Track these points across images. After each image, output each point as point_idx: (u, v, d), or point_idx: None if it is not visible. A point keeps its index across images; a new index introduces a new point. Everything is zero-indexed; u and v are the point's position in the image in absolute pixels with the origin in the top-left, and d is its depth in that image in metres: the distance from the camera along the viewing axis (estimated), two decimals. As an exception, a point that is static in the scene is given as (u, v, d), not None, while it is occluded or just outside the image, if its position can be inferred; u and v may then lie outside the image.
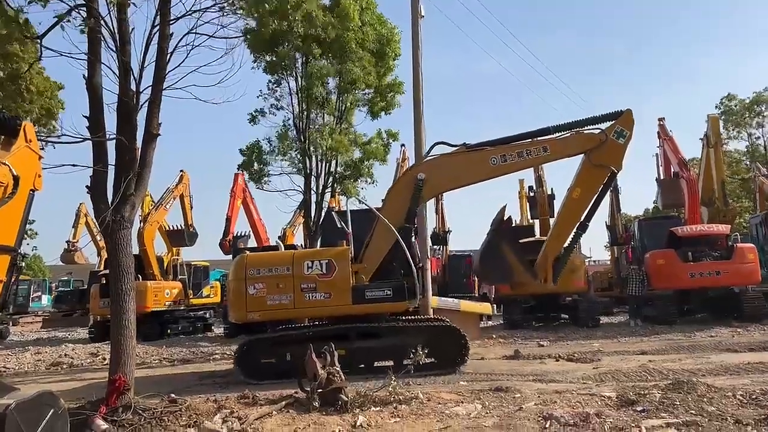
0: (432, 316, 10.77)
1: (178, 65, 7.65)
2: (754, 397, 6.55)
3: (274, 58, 14.59)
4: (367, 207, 10.81)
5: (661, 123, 20.21)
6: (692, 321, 16.58)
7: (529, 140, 10.06)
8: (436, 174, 10.09)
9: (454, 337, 10.02)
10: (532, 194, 20.67)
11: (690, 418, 5.85)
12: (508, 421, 6.05)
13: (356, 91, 14.72)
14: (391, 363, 9.30)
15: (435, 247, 24.42)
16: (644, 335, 14.37)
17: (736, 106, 34.66)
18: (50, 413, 4.86)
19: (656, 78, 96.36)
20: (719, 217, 19.22)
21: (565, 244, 10.30)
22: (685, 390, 6.82)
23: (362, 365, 9.89)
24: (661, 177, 20.77)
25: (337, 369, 7.62)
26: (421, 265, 10.60)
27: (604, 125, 9.97)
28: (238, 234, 24.35)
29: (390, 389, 7.25)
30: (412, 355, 7.88)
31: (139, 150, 7.70)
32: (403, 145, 20.49)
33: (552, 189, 20.51)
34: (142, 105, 7.66)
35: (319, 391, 7.27)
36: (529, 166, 10.74)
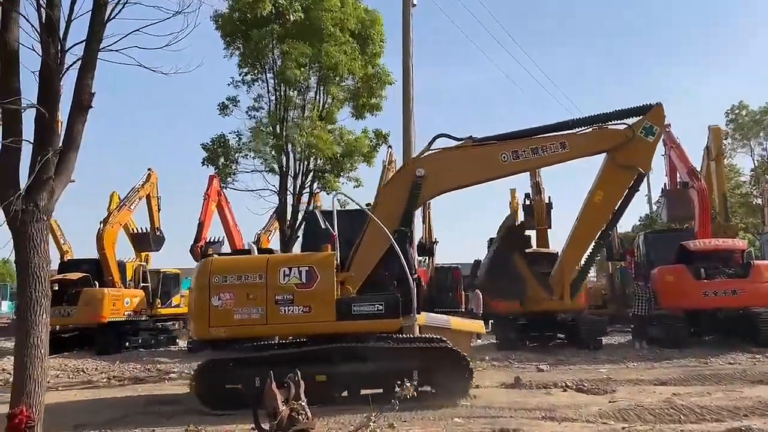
0: (428, 336, 9.10)
1: (113, 17, 6.17)
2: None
3: (245, 51, 13.07)
4: (357, 206, 9.24)
5: (668, 130, 18.94)
6: (702, 344, 15.20)
7: (546, 135, 8.75)
8: (438, 170, 8.67)
9: (456, 362, 8.39)
10: (528, 202, 19.31)
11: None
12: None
13: (339, 80, 13.19)
14: (380, 391, 7.75)
15: (421, 258, 22.91)
16: (654, 360, 12.96)
17: (746, 116, 33.62)
18: None
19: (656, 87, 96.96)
20: (720, 233, 18.06)
21: (585, 256, 8.87)
22: (745, 441, 5.38)
23: (345, 393, 8.31)
24: (668, 188, 19.56)
25: (303, 404, 6.05)
26: (416, 276, 8.97)
27: (630, 121, 8.67)
28: (212, 240, 22.74)
29: (369, 430, 5.71)
30: (398, 388, 6.32)
31: (64, 125, 6.27)
32: (390, 146, 19.03)
33: (550, 197, 19.19)
34: (69, 67, 6.21)
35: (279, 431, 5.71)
36: (545, 164, 9.29)
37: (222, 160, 13.00)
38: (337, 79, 13.04)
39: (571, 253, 9.07)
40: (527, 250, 15.84)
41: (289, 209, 14.13)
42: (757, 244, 24.17)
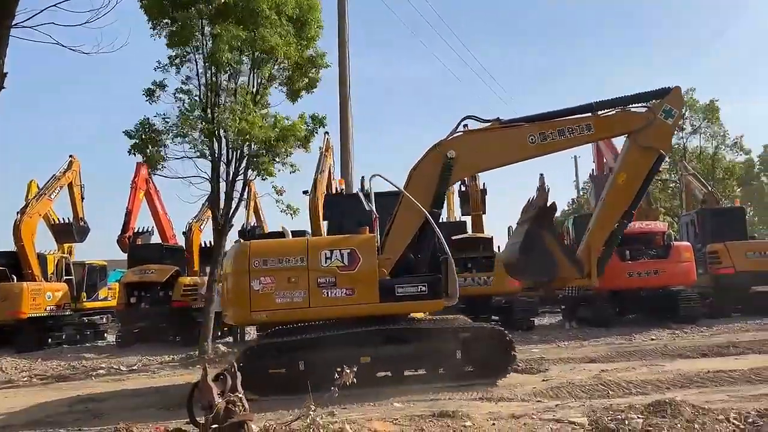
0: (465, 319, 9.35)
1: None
2: (750, 420, 5.44)
3: (174, 28, 12.41)
4: (393, 186, 8.85)
5: None
6: (627, 322, 15.95)
7: (572, 117, 8.88)
8: (469, 152, 8.69)
9: (499, 342, 8.54)
10: (463, 188, 19.58)
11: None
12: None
13: (273, 65, 12.76)
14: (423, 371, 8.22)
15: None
16: (583, 339, 13.50)
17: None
18: None
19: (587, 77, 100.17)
20: (643, 216, 18.91)
21: (608, 236, 9.03)
22: (669, 413, 5.61)
23: (389, 374, 8.43)
24: (595, 173, 20.31)
25: (240, 395, 5.87)
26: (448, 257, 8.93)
27: (649, 104, 8.94)
28: (140, 230, 21.87)
29: (309, 420, 5.60)
30: (337, 375, 6.23)
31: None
32: (326, 132, 18.78)
33: (484, 183, 19.50)
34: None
35: (215, 426, 5.52)
36: (571, 146, 9.31)
37: (150, 148, 12.24)
38: (272, 63, 12.60)
39: (597, 233, 9.17)
40: (458, 237, 16.15)
41: (223, 196, 13.59)
42: (675, 226, 25.54)
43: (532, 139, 8.76)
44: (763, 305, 16.85)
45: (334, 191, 19.25)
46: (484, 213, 19.52)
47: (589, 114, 8.90)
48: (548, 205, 9.10)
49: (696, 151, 31.68)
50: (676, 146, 32.99)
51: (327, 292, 8.13)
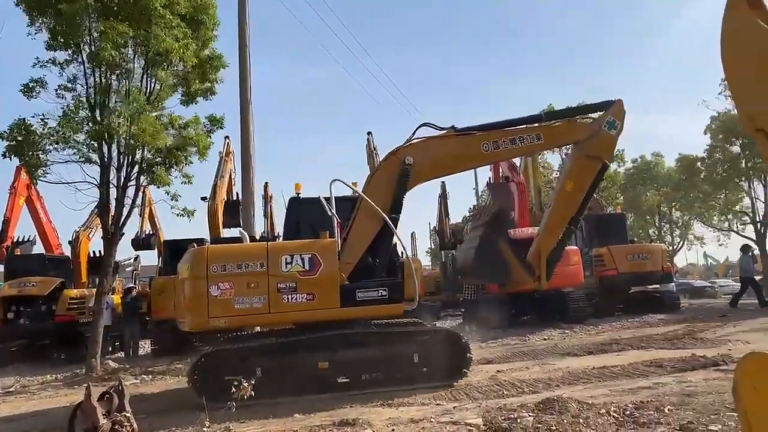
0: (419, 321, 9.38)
1: None
2: (627, 412, 5.84)
3: (56, 28, 11.51)
4: (352, 190, 8.90)
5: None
6: (523, 323, 16.71)
7: (523, 127, 9.13)
8: (426, 159, 8.77)
9: (455, 345, 8.62)
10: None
11: (575, 448, 4.88)
12: (364, 476, 4.56)
13: (168, 66, 12.17)
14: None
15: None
16: (482, 341, 13.94)
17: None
18: None
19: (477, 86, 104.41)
20: (536, 222, 19.99)
21: (557, 240, 9.45)
22: (557, 410, 5.93)
23: (347, 380, 8.41)
24: (491, 181, 21.15)
25: (128, 414, 5.55)
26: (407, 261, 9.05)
27: (594, 115, 9.41)
28: (20, 239, 20.12)
29: (202, 437, 5.38)
30: (234, 389, 6.03)
31: None
32: (227, 137, 18.35)
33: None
34: None
35: (99, 449, 5.17)
36: (521, 154, 9.72)
37: (28, 151, 11.19)
38: (166, 64, 11.99)
39: (546, 237, 9.55)
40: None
41: (113, 203, 12.78)
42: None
43: (485, 148, 8.98)
44: (641, 304, 18.34)
45: (234, 198, 18.74)
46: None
47: (538, 124, 9.27)
48: (501, 211, 9.36)
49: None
50: (565, 158, 35.22)
51: (287, 298, 8.08)
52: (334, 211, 8.55)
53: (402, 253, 9.40)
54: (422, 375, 8.51)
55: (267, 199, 24.20)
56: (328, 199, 8.73)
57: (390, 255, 8.93)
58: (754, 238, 36.55)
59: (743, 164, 35.10)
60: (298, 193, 9.57)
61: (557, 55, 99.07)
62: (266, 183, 24.49)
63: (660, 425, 5.35)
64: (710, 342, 11.06)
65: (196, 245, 9.49)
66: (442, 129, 9.08)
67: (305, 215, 9.42)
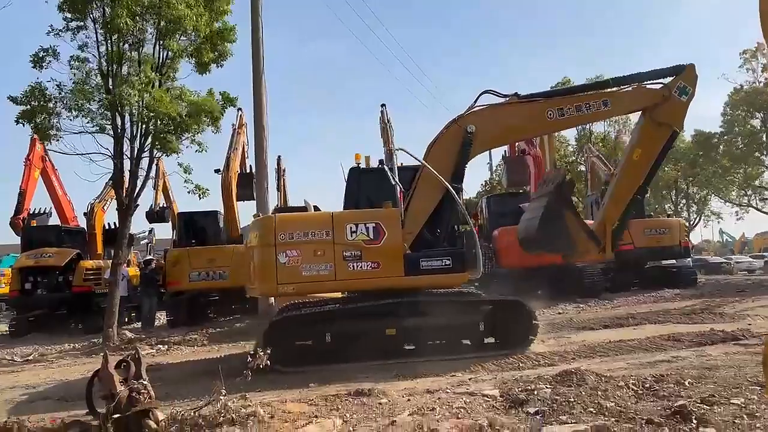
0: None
1: None
2: (647, 385, 5.77)
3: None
4: (414, 159, 8.77)
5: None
6: (537, 297, 16.59)
7: (589, 93, 8.92)
8: (488, 127, 8.68)
9: (521, 313, 8.71)
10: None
11: (594, 419, 4.81)
12: (381, 444, 4.53)
13: (180, 36, 12.00)
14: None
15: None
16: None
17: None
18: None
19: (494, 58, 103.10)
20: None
21: (623, 210, 9.27)
22: (575, 382, 5.87)
23: (413, 346, 8.59)
24: (507, 155, 20.87)
25: (145, 382, 5.55)
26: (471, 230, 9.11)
27: (665, 81, 9.04)
28: (36, 211, 20.27)
29: (220, 406, 5.37)
30: (250, 358, 6.02)
31: None
32: (239, 109, 18.13)
33: (402, 164, 19.34)
34: None
35: (117, 416, 5.18)
36: (588, 121, 9.50)
37: (41, 115, 11.11)
38: (179, 34, 11.82)
39: (612, 207, 9.33)
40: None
41: (127, 175, 12.76)
42: (581, 207, 26.85)
43: (550, 115, 8.82)
44: (658, 279, 18.15)
45: (247, 170, 18.66)
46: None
47: (606, 90, 9.01)
48: (566, 180, 9.25)
49: (600, 135, 33.43)
50: (582, 132, 34.76)
51: (353, 266, 8.20)
52: (396, 181, 8.55)
53: (466, 223, 9.29)
54: (489, 344, 8.68)
55: (280, 172, 24.15)
56: (392, 169, 8.74)
57: (452, 225, 8.91)
58: (774, 214, 36.01)
59: (764, 137, 34.41)
60: (358, 163, 9.56)
61: (566, 28, 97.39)
62: (279, 156, 24.39)
63: (680, 398, 5.26)
64: (729, 317, 10.93)
65: (260, 215, 9.75)
66: (505, 96, 8.95)
67: (365, 185, 9.43)
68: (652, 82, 9.16)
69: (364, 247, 8.24)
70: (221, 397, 5.35)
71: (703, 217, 47.59)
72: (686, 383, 5.76)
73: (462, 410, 5.26)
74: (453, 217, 8.85)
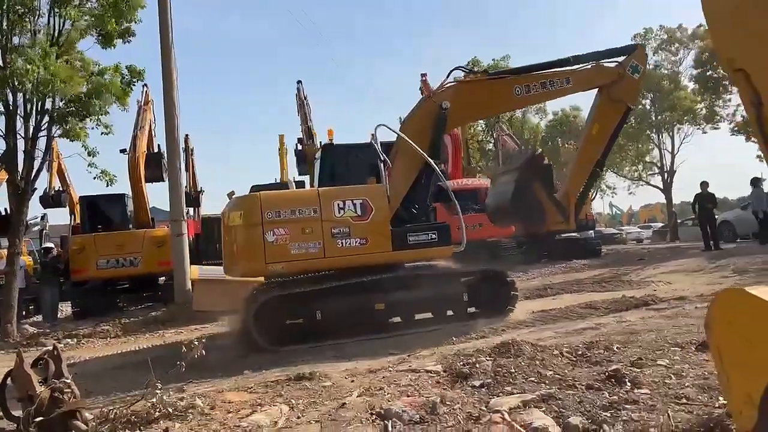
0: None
1: None
2: (579, 353, 6.03)
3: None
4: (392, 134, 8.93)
5: (424, 78, 20.29)
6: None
7: (554, 70, 9.24)
8: (462, 103, 8.76)
9: (500, 281, 9.20)
10: (300, 148, 19.12)
11: (537, 388, 4.97)
12: (336, 429, 4.42)
13: (79, 2, 10.96)
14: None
15: (187, 208, 21.37)
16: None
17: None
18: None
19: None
20: (464, 174, 20.28)
21: (584, 183, 9.99)
22: (513, 353, 6.02)
23: (400, 320, 8.79)
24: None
25: (67, 380, 5.11)
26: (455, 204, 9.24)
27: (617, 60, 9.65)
28: None
29: (156, 401, 5.04)
30: (184, 348, 5.69)
31: None
32: (145, 85, 17.08)
33: (321, 142, 19.14)
34: None
35: (40, 419, 4.73)
36: (552, 98, 9.99)
37: None
38: (77, 2, 10.81)
39: (575, 179, 9.92)
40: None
41: (21, 156, 11.65)
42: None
43: (517, 91, 9.08)
44: (565, 250, 19.18)
45: (156, 150, 17.66)
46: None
47: (568, 68, 9.39)
48: (537, 154, 9.62)
49: (507, 114, 34.55)
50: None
51: (341, 242, 8.22)
52: (384, 157, 8.55)
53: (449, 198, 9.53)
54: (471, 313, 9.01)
55: (188, 151, 23.09)
56: (373, 144, 8.75)
57: (428, 200, 9.14)
58: (662, 187, 39.07)
59: (653, 117, 37.07)
60: (331, 140, 9.39)
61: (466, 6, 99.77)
62: (186, 135, 23.29)
63: (612, 363, 5.54)
64: (636, 284, 11.73)
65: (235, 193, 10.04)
66: (475, 73, 9.29)
67: (339, 161, 9.40)
68: (607, 60, 9.75)
69: (352, 224, 8.29)
70: (157, 392, 5.03)
71: (599, 192, 50.76)
72: (614, 348, 6.08)
73: (410, 387, 5.25)
74: (429, 193, 9.14)
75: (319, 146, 19.16)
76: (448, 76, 8.99)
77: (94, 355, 9.65)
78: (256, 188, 12.22)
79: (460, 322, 8.64)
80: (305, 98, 18.93)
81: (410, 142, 8.51)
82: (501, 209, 9.83)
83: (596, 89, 9.74)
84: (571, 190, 10.04)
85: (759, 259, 12.72)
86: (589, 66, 9.57)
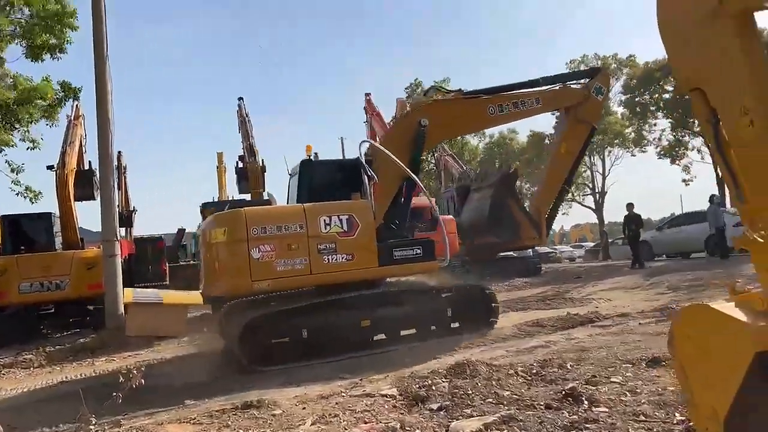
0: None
1: None
2: (534, 371, 6.02)
3: None
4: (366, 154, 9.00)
5: (368, 98, 20.36)
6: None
7: (524, 91, 9.52)
8: (439, 121, 8.87)
9: (482, 297, 9.25)
10: (241, 165, 18.58)
11: (497, 410, 4.87)
12: (291, 461, 4.15)
13: (10, 10, 10.31)
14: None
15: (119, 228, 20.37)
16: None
17: (420, 92, 38.29)
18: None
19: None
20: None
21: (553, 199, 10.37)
22: (468, 374, 5.95)
23: (385, 336, 8.65)
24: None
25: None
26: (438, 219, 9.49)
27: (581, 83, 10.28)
28: None
29: (87, 437, 4.61)
30: (122, 378, 5.25)
31: None
32: (76, 100, 16.21)
33: (263, 160, 18.74)
34: None
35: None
36: (523, 117, 10.02)
37: None
38: (8, 8, 10.15)
39: (544, 196, 10.30)
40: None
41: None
42: (435, 203, 28.07)
43: (491, 110, 9.33)
44: (506, 269, 19.44)
45: (86, 167, 16.77)
46: (264, 190, 18.85)
47: (538, 89, 9.72)
48: (511, 171, 9.88)
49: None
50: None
51: (328, 258, 8.11)
52: (371, 173, 8.56)
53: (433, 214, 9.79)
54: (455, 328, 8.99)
55: (121, 169, 22.16)
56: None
57: (408, 216, 9.26)
58: (593, 207, 40.58)
59: (585, 139, 38.59)
60: (309, 156, 9.06)
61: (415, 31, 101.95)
62: (120, 152, 22.35)
63: (567, 381, 5.53)
64: (578, 301, 11.95)
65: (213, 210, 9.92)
66: (450, 92, 9.48)
67: (318, 178, 9.21)
68: (573, 82, 10.23)
69: (338, 240, 8.19)
70: (90, 426, 4.61)
71: (535, 212, 52.30)
72: (568, 366, 6.09)
73: (367, 413, 5.04)
74: (409, 209, 9.31)
75: (262, 163, 18.90)
76: (425, 94, 9.33)
77: (16, 387, 8.87)
78: (207, 205, 11.93)
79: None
80: (247, 115, 18.51)
81: (394, 158, 8.58)
82: (476, 225, 10.20)
83: (562, 110, 10.24)
84: (542, 206, 10.50)
85: (690, 276, 13.25)
86: (557, 87, 10.01)
